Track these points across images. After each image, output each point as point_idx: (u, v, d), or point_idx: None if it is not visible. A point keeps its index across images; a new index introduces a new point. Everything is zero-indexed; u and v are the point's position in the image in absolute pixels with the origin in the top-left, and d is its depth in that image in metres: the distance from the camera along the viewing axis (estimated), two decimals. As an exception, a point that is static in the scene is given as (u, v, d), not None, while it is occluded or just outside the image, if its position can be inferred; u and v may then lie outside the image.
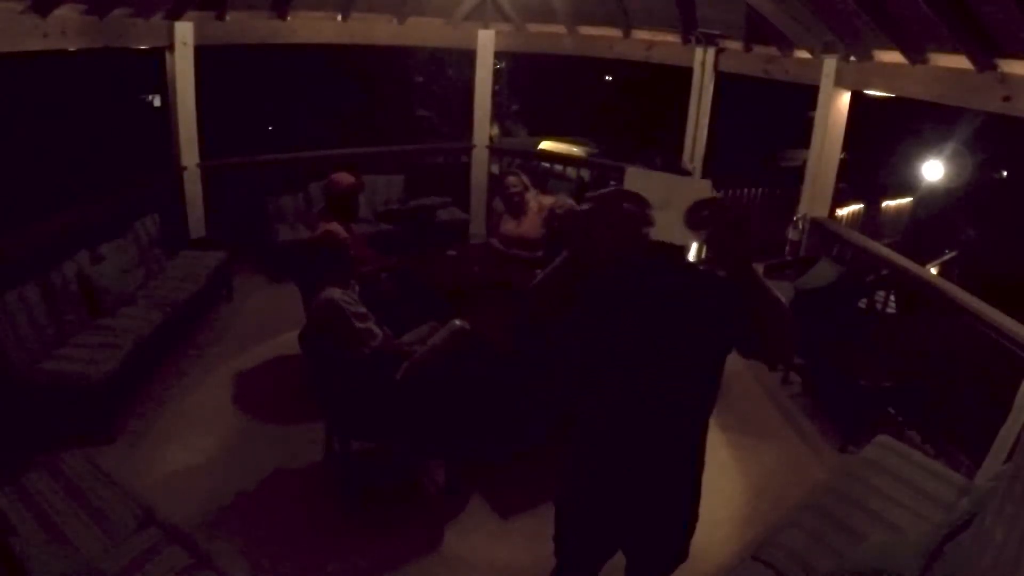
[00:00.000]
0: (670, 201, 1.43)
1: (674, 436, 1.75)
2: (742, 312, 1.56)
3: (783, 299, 1.55)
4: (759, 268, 5.11)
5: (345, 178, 3.95)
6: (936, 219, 12.75)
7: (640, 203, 1.42)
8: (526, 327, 3.35)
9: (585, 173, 7.41)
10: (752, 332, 1.57)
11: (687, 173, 1.74)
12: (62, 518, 2.35)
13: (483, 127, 6.95)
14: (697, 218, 1.39)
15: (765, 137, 14.00)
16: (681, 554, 1.91)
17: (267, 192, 5.81)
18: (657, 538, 1.87)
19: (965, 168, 12.31)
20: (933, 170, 11.26)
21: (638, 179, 1.46)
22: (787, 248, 5.32)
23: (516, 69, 13.36)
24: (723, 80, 5.76)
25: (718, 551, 2.90)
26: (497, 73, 9.84)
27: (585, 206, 1.45)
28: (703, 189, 1.48)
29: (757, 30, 5.13)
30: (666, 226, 1.44)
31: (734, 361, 1.81)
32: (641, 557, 1.94)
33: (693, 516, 1.86)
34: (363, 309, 3.12)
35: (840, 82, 4.72)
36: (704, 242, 1.43)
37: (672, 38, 5.81)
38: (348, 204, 3.99)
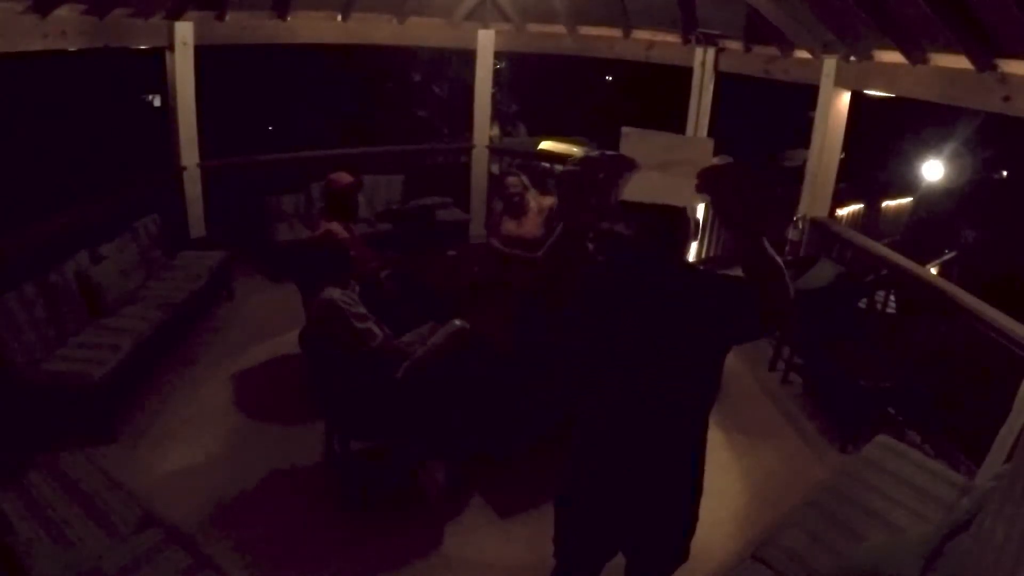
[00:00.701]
0: (670, 162, 1.39)
1: (674, 436, 1.75)
2: (743, 278, 1.56)
3: (782, 263, 1.56)
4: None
5: (344, 177, 3.98)
6: (936, 219, 12.75)
7: (618, 164, 1.39)
8: (528, 321, 3.35)
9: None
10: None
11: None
12: (62, 518, 2.35)
13: (483, 127, 6.95)
14: (700, 184, 1.38)
15: (765, 137, 13.99)
16: (681, 555, 1.91)
17: (267, 192, 5.81)
18: (657, 538, 1.87)
19: (965, 168, 12.31)
20: (933, 170, 11.26)
21: (635, 140, 1.42)
22: (787, 248, 5.32)
23: (516, 69, 13.35)
24: (723, 80, 5.76)
25: (718, 551, 2.90)
26: (497, 73, 9.83)
27: (566, 170, 1.44)
28: (704, 148, 1.43)
29: (757, 30, 5.13)
30: (667, 188, 1.40)
31: (734, 361, 1.83)
32: (641, 558, 1.94)
33: (693, 517, 1.86)
34: (363, 309, 3.12)
35: (840, 82, 4.72)
36: (710, 205, 1.42)
37: (672, 38, 5.81)
38: (347, 203, 4.01)
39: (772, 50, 5.18)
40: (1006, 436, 3.01)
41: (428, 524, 3.02)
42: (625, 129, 1.43)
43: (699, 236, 6.52)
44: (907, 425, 3.84)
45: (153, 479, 3.16)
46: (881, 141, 12.73)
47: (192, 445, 3.46)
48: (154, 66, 5.47)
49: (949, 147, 11.73)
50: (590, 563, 1.98)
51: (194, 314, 4.57)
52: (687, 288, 1.67)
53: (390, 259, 4.25)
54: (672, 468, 1.77)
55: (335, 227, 3.86)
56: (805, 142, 5.29)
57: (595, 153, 1.42)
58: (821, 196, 5.14)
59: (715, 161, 1.41)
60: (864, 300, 4.40)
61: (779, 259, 1.53)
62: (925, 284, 4.06)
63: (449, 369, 3.07)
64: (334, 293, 3.03)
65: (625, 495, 1.77)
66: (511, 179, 4.41)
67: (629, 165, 1.39)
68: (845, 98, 4.85)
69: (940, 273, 8.92)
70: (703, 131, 5.88)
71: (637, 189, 1.40)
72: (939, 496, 2.70)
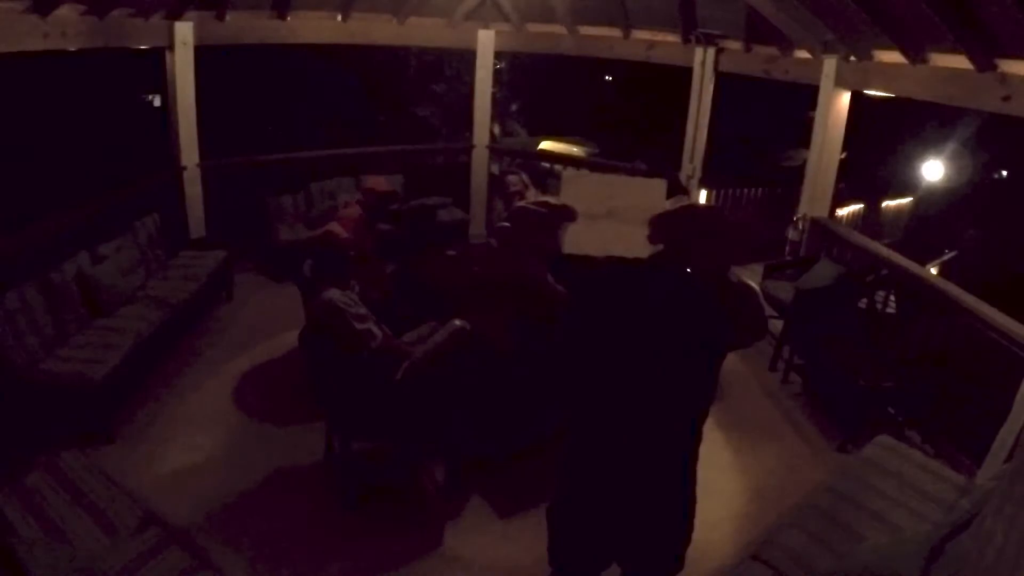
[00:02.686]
0: (618, 208, 1.28)
1: (671, 441, 1.74)
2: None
3: (752, 284, 1.54)
4: (757, 269, 5.10)
5: (383, 184, 4.26)
6: (936, 219, 12.75)
7: (559, 216, 1.29)
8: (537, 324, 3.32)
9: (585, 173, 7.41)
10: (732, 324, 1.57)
11: (684, 190, 1.65)
12: (62, 518, 2.35)
13: (483, 127, 6.94)
14: (653, 234, 1.26)
15: (765, 137, 13.99)
16: (677, 563, 1.89)
17: (267, 192, 5.81)
18: (653, 545, 1.85)
19: (965, 168, 12.31)
20: (933, 170, 11.26)
21: (577, 184, 1.32)
22: (787, 248, 5.32)
23: (516, 69, 13.36)
24: (723, 80, 5.76)
25: (718, 551, 2.89)
26: (497, 73, 9.83)
27: (500, 226, 1.40)
28: (655, 192, 1.32)
29: (757, 30, 5.13)
30: (615, 238, 1.28)
31: (734, 361, 1.83)
32: (636, 566, 1.92)
33: (689, 524, 1.84)
34: (363, 310, 3.12)
35: (840, 82, 4.72)
36: (670, 252, 1.30)
37: (672, 38, 5.81)
38: (379, 206, 4.21)
39: (772, 50, 5.18)
40: (1006, 436, 3.01)
41: (428, 524, 3.02)
42: (565, 173, 1.37)
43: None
44: (907, 425, 3.84)
45: (153, 479, 3.16)
46: (881, 141, 12.72)
47: (192, 445, 3.46)
48: (154, 66, 5.46)
49: (949, 147, 11.73)
50: (586, 571, 1.98)
51: (194, 314, 4.57)
52: (687, 292, 1.66)
53: (387, 274, 4.33)
54: (668, 473, 1.76)
55: (335, 227, 3.87)
56: (805, 142, 5.29)
57: (535, 205, 1.36)
58: (821, 196, 5.13)
59: (667, 205, 1.31)
60: (864, 300, 4.40)
61: (748, 283, 1.49)
62: (925, 284, 4.06)
63: (449, 369, 3.07)
64: (334, 294, 3.03)
65: (622, 499, 1.77)
66: (512, 178, 4.41)
67: (570, 216, 1.31)
68: (845, 98, 4.85)
69: (940, 273, 8.91)
70: (703, 131, 5.89)
71: (583, 240, 1.28)
72: (939, 496, 2.70)
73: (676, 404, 1.68)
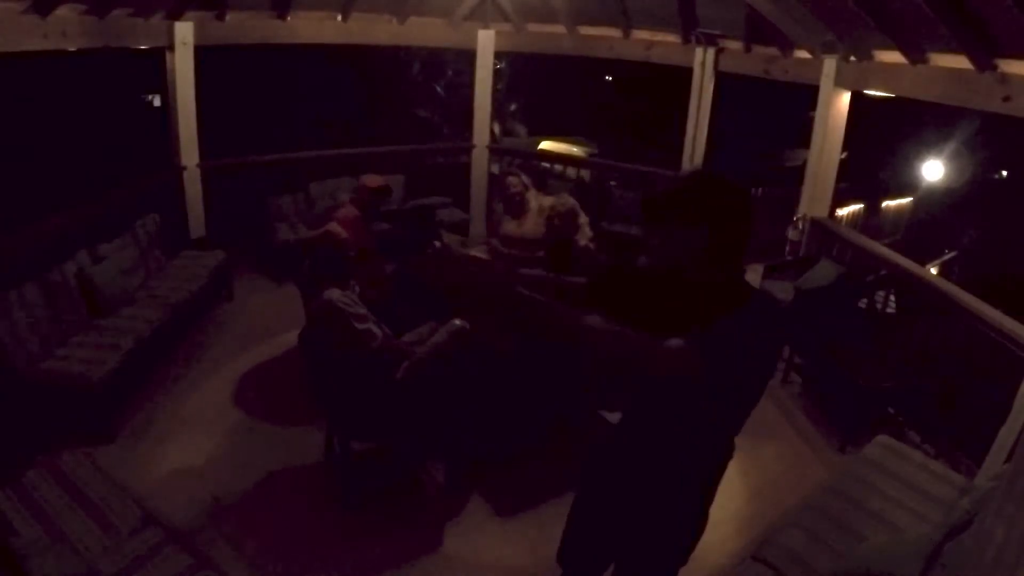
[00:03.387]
0: None
1: (675, 444, 1.72)
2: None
3: (590, 320, 1.33)
4: (758, 268, 5.07)
5: (375, 180, 4.19)
6: (936, 219, 12.74)
7: None
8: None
9: (585, 173, 7.41)
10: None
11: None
12: (62, 518, 2.35)
13: (483, 127, 6.94)
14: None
15: (766, 137, 13.99)
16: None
17: (267, 192, 5.81)
18: (649, 552, 1.84)
19: (965, 168, 12.30)
20: (933, 170, 11.26)
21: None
22: (787, 248, 5.32)
23: (516, 69, 13.37)
24: (722, 80, 5.76)
25: (718, 551, 2.89)
26: (497, 73, 9.84)
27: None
28: None
29: (757, 30, 5.13)
30: None
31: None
32: (634, 571, 1.91)
33: (693, 539, 1.83)
34: (363, 310, 3.12)
35: (840, 82, 4.72)
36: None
37: (672, 38, 5.81)
38: (372, 202, 4.19)
39: (772, 50, 5.18)
40: (1006, 436, 3.01)
41: (428, 524, 3.02)
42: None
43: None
44: (907, 425, 3.84)
45: (153, 479, 3.16)
46: (881, 141, 12.72)
47: (192, 445, 3.46)
48: (154, 66, 5.46)
49: (949, 147, 11.73)
50: (586, 571, 1.98)
51: (194, 314, 4.56)
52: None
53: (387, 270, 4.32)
54: (669, 480, 1.74)
55: (334, 227, 3.87)
56: (805, 142, 5.30)
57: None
58: (821, 196, 5.13)
59: None
60: (864, 300, 4.41)
61: (584, 321, 1.31)
62: (925, 284, 4.06)
63: (449, 369, 3.08)
64: (334, 294, 3.03)
65: (621, 502, 1.77)
66: (511, 179, 4.41)
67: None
68: (845, 98, 4.85)
69: (940, 273, 8.92)
70: (703, 131, 5.89)
71: None
72: (939, 496, 2.70)
73: (675, 406, 1.67)
